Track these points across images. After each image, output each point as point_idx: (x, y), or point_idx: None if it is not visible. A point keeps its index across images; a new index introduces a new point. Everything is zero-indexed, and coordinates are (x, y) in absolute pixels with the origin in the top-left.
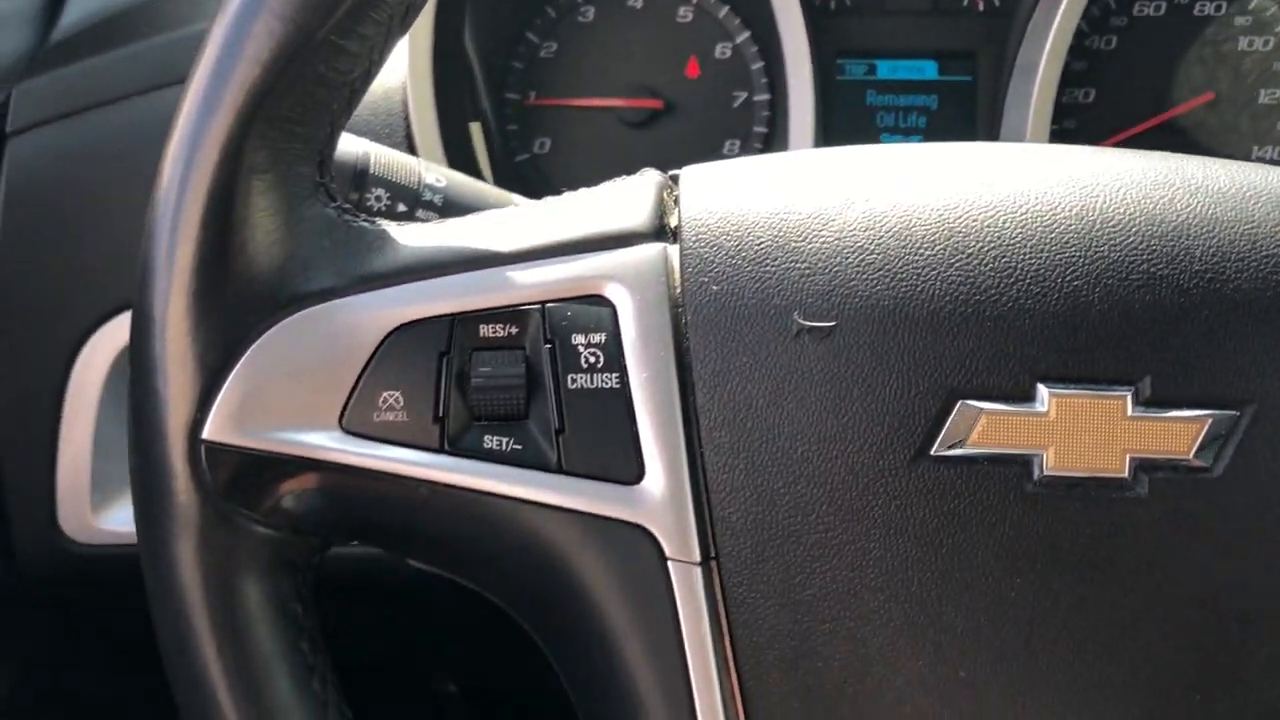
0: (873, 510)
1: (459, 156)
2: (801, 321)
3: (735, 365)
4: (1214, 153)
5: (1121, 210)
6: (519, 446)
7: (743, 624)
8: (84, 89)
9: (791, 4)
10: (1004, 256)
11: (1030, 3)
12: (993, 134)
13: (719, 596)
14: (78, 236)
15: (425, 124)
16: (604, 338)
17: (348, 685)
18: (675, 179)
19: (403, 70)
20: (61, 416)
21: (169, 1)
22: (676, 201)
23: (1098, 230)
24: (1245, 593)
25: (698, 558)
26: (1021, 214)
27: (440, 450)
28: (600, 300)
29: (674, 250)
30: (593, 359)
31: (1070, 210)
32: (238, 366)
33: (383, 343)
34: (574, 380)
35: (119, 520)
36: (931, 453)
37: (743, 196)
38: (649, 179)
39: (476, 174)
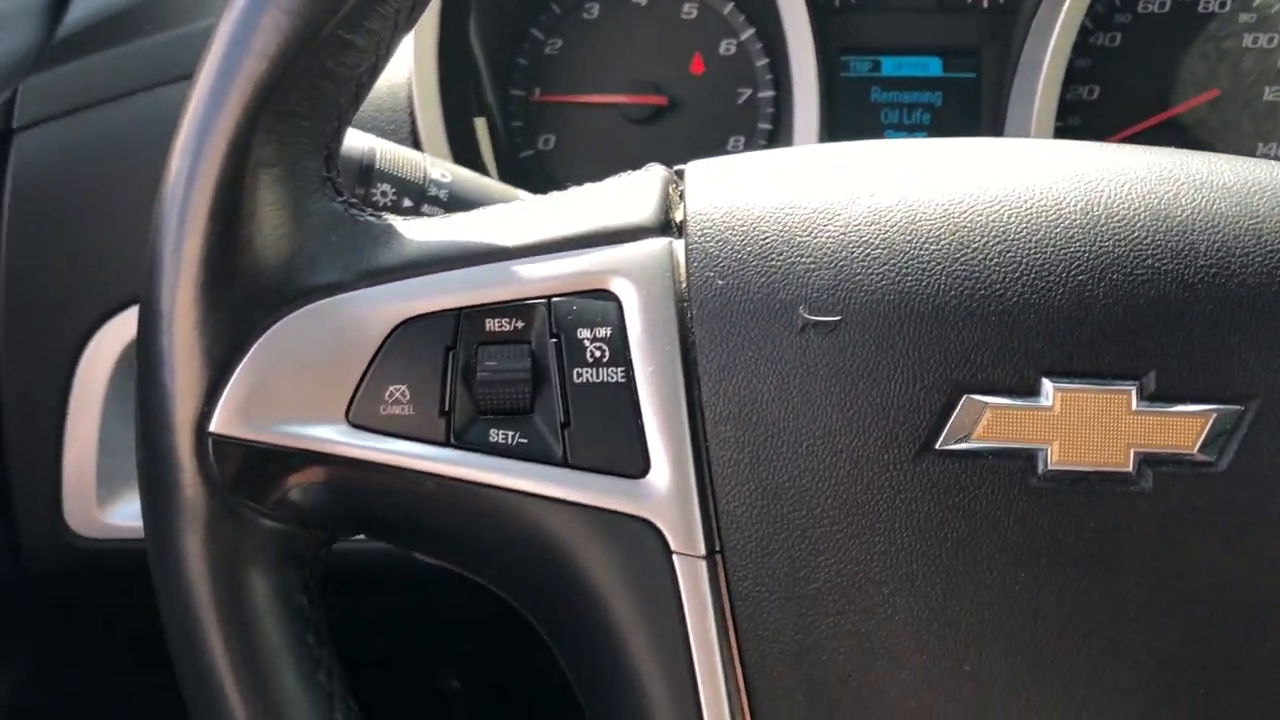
0: (878, 504)
1: (464, 152)
2: (807, 316)
3: (740, 360)
4: (1218, 150)
5: (1126, 205)
6: (524, 440)
7: (747, 617)
8: (90, 85)
9: (796, 1)
10: (1009, 251)
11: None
12: (997, 131)
13: (724, 590)
14: (83, 232)
15: (430, 120)
16: (609, 332)
17: (352, 681)
18: (680, 174)
19: (407, 67)
20: (67, 411)
21: None
22: (682, 196)
23: (1102, 225)
24: (1250, 587)
25: (703, 551)
26: (1026, 209)
27: (446, 444)
28: (606, 295)
29: (679, 245)
30: (598, 353)
31: (1075, 205)
32: (245, 360)
33: (389, 337)
34: (579, 374)
35: (124, 515)
36: (936, 447)
37: (748, 191)
38: (654, 174)
39: (481, 170)
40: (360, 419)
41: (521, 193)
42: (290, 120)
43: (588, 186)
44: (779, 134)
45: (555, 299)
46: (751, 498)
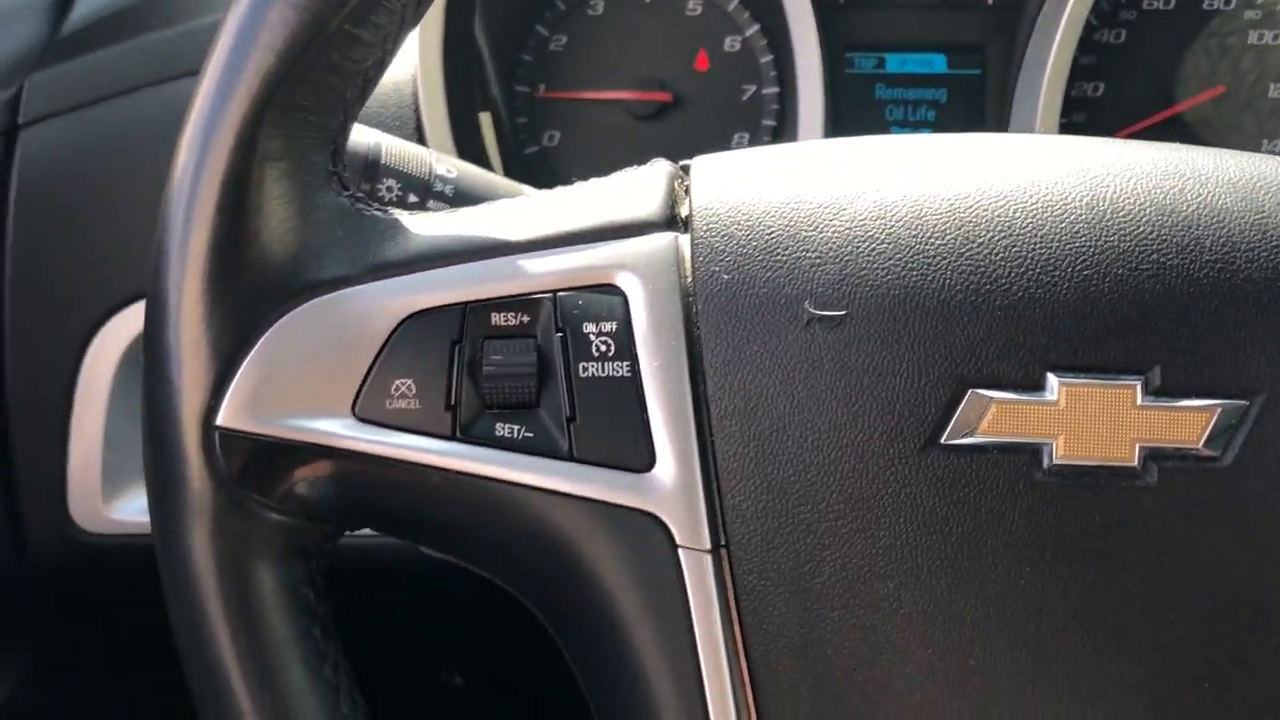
0: (883, 499)
1: (469, 148)
2: (812, 310)
3: (746, 354)
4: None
5: (1132, 200)
6: (530, 434)
7: (752, 611)
8: (95, 81)
9: None
10: (1014, 246)
11: None
12: (1001, 128)
13: (729, 584)
14: (89, 228)
15: (435, 116)
16: (615, 326)
17: (356, 676)
18: (686, 169)
19: (412, 63)
20: (73, 406)
21: None
22: (687, 191)
23: (1108, 220)
24: (1254, 582)
25: (708, 545)
26: (1032, 204)
27: (452, 438)
28: (611, 289)
29: (685, 240)
30: (604, 347)
31: (1081, 200)
32: (251, 353)
33: (395, 331)
34: (585, 368)
35: (130, 511)
36: (941, 441)
37: (753, 186)
38: (660, 169)
39: (486, 166)
40: (366, 413)
41: (526, 188)
42: (297, 115)
43: (593, 181)
44: (783, 131)
45: (561, 293)
46: (756, 492)
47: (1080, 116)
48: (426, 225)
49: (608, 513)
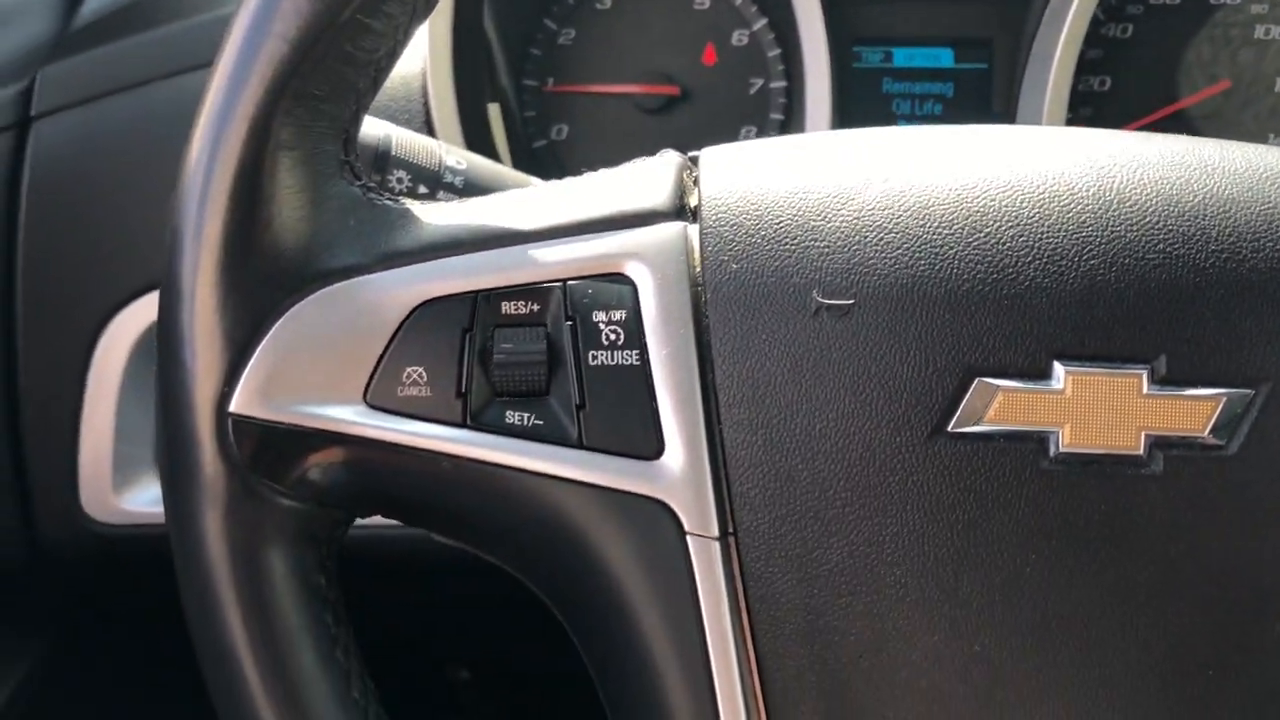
0: (890, 486)
1: (477, 141)
2: (820, 299)
3: (754, 343)
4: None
5: (1138, 191)
6: (540, 422)
7: (760, 598)
8: (107, 74)
9: None
10: (1021, 236)
11: None
12: (1008, 122)
13: (737, 571)
14: (100, 220)
15: (444, 109)
16: (624, 315)
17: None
18: (695, 160)
19: (421, 56)
20: (84, 397)
21: None
22: (696, 182)
23: (1115, 210)
24: (1259, 570)
25: (716, 532)
26: (1039, 194)
27: (463, 425)
28: (621, 278)
29: (694, 229)
30: (613, 336)
31: (1088, 190)
32: (264, 341)
33: (406, 319)
34: (595, 357)
35: (140, 501)
36: (948, 429)
37: (762, 176)
38: (669, 159)
39: (494, 158)
40: (378, 400)
41: (535, 180)
42: (310, 104)
43: (603, 172)
44: (791, 124)
45: (571, 282)
46: (764, 479)
47: (1087, 111)
48: (437, 215)
49: (617, 500)
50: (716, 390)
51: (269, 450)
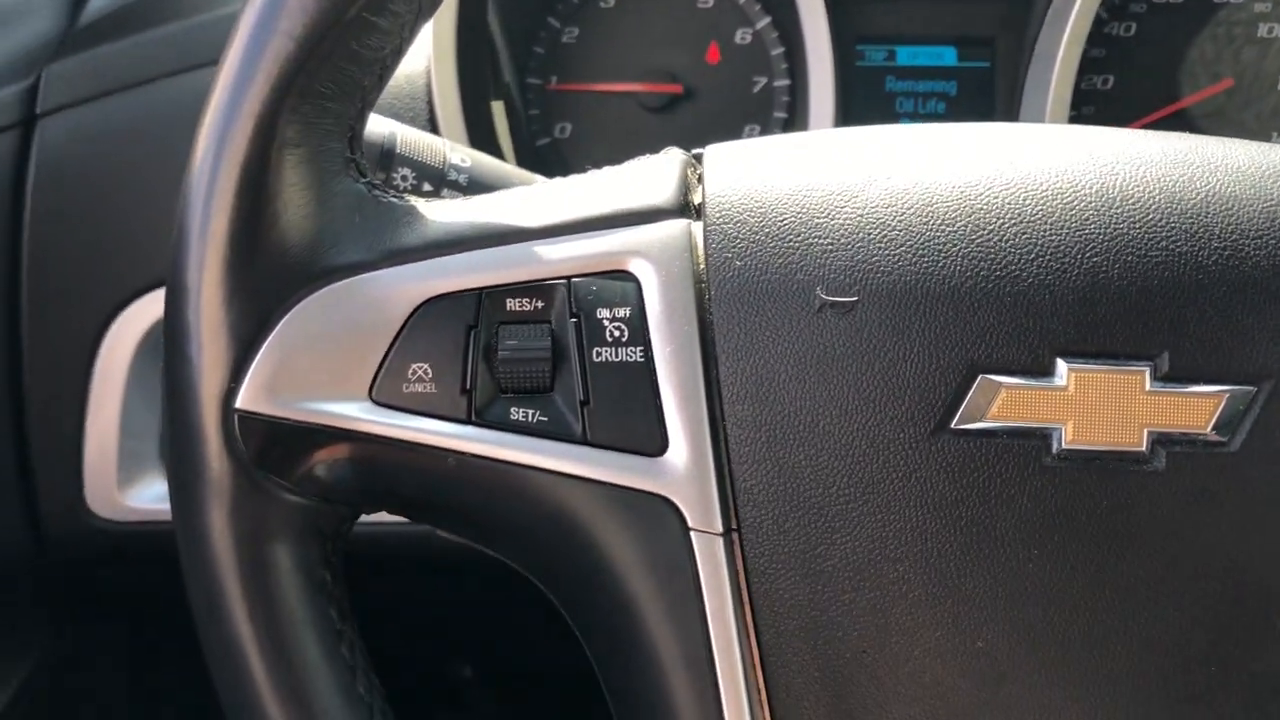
0: (893, 483)
1: (481, 140)
2: (824, 297)
3: (758, 339)
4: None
5: (1141, 188)
6: (545, 418)
7: (764, 594)
8: (112, 71)
9: None
10: (1024, 233)
11: None
12: (1011, 120)
13: (740, 567)
14: (105, 218)
15: (449, 107)
16: (629, 312)
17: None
18: (699, 157)
19: (425, 54)
20: (89, 394)
21: None
22: (700, 179)
23: (1117, 207)
24: (1261, 566)
25: (720, 528)
26: (1042, 191)
27: (467, 421)
28: (625, 275)
29: (698, 227)
30: (617, 333)
31: (1090, 188)
32: (270, 337)
33: (412, 316)
34: (599, 353)
35: (145, 498)
36: (951, 426)
37: (766, 174)
38: (673, 157)
39: (498, 156)
40: (383, 397)
41: (540, 178)
42: (315, 101)
43: (607, 169)
44: (794, 123)
45: (575, 279)
46: (768, 476)
47: (1090, 109)
48: (442, 212)
49: (621, 496)
50: (720, 387)
51: (275, 446)
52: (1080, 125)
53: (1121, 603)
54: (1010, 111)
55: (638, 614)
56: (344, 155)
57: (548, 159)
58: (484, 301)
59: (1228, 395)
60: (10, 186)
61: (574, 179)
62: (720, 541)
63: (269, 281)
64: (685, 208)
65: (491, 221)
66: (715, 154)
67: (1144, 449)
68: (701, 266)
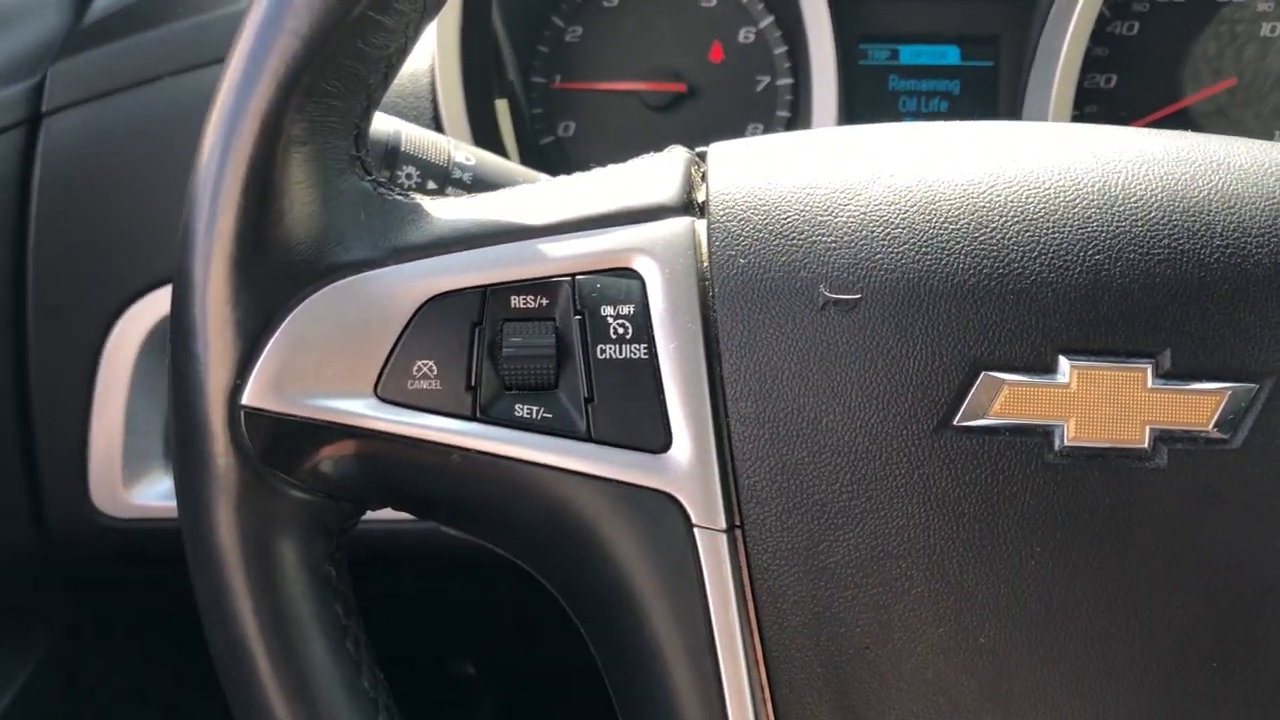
0: (896, 479)
1: (485, 138)
2: (827, 294)
3: (762, 337)
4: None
5: (1143, 186)
6: (549, 415)
7: (767, 590)
8: (117, 70)
9: None
10: (1027, 231)
11: None
12: (1014, 119)
13: (744, 563)
14: (111, 216)
15: (453, 105)
16: (633, 309)
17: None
18: (702, 155)
19: (430, 53)
20: (95, 392)
21: None
22: (704, 177)
23: (1120, 205)
24: (1263, 563)
25: (723, 525)
26: (1045, 189)
27: (472, 418)
28: (629, 273)
29: (701, 225)
30: (621, 330)
31: (1093, 186)
32: (276, 334)
33: (417, 313)
34: (603, 351)
35: (150, 495)
36: (954, 423)
37: (769, 172)
38: (677, 155)
39: (502, 155)
40: (388, 393)
41: (544, 177)
42: (321, 100)
43: (611, 167)
44: (797, 121)
45: (579, 277)
46: (771, 473)
47: (1093, 108)
48: (447, 209)
49: (625, 492)
50: (724, 384)
51: (280, 442)
52: (1083, 124)
53: (1123, 599)
54: (1013, 110)
55: (641, 610)
56: (349, 153)
57: (551, 157)
58: (488, 299)
59: (1229, 393)
60: (16, 185)
61: (578, 177)
62: (723, 538)
63: (275, 278)
64: (689, 205)
65: (496, 219)
66: (719, 152)
67: (1146, 446)
68: (705, 264)
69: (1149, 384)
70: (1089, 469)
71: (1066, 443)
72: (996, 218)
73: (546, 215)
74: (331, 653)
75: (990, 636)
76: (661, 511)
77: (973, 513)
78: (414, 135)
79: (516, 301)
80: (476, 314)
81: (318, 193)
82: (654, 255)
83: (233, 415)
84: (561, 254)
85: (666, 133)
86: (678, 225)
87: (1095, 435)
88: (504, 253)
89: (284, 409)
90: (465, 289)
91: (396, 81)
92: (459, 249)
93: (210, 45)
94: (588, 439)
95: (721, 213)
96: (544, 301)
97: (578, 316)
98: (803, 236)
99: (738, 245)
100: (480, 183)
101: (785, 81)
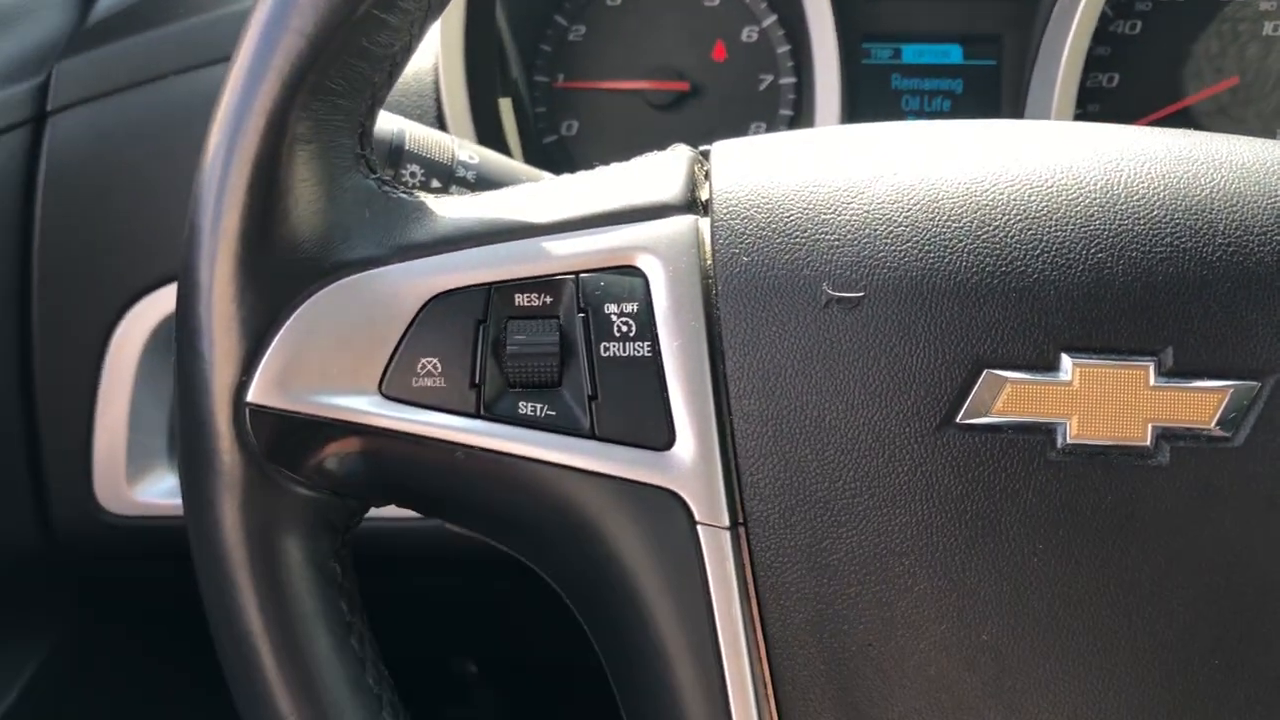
0: (899, 477)
1: (488, 137)
2: (830, 292)
3: (765, 334)
4: None
5: (1146, 184)
6: (553, 412)
7: (770, 587)
8: (122, 68)
9: None
10: (1030, 229)
11: None
12: (1017, 118)
13: (747, 560)
14: (115, 213)
15: (456, 104)
16: (636, 307)
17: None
18: (705, 154)
19: (433, 51)
20: (99, 389)
21: None
22: (707, 176)
23: (1122, 203)
24: (1264, 561)
25: (727, 522)
26: (1047, 187)
27: (476, 415)
28: (633, 271)
29: (705, 223)
30: (625, 328)
31: (1095, 184)
32: (281, 331)
33: (421, 310)
34: (607, 348)
35: (154, 492)
36: (957, 421)
37: (772, 170)
38: (680, 154)
39: (506, 153)
40: (393, 390)
41: (547, 175)
42: (326, 98)
43: (615, 165)
44: (800, 120)
45: (583, 275)
46: (774, 470)
47: (1095, 107)
48: (452, 208)
49: (628, 490)
50: (727, 382)
51: (285, 439)
52: (1085, 123)
53: (1125, 597)
54: (1016, 109)
55: (645, 607)
56: (354, 151)
57: (554, 156)
58: (492, 296)
59: (1232, 390)
60: (21, 183)
61: (581, 175)
62: (727, 535)
63: (280, 276)
64: (692, 204)
65: (500, 217)
66: (722, 150)
67: (1148, 444)
68: (708, 262)
69: (1151, 382)
70: (1091, 467)
71: (1069, 440)
72: (999, 216)
73: (550, 213)
74: (336, 649)
75: (993, 634)
76: (665, 509)
77: (975, 510)
78: (418, 134)
79: (520, 299)
80: (481, 312)
81: (323, 191)
82: (657, 253)
83: (238, 412)
84: (565, 252)
85: (669, 131)
86: (681, 223)
87: (1097, 433)
88: (508, 251)
89: (289, 406)
90: (469, 287)
91: (400, 80)
92: (463, 247)
93: (215, 44)
94: (591, 436)
95: (725, 211)
96: (548, 299)
97: (581, 314)
98: (806, 235)
99: (741, 243)
100: (484, 181)
101: (788, 80)
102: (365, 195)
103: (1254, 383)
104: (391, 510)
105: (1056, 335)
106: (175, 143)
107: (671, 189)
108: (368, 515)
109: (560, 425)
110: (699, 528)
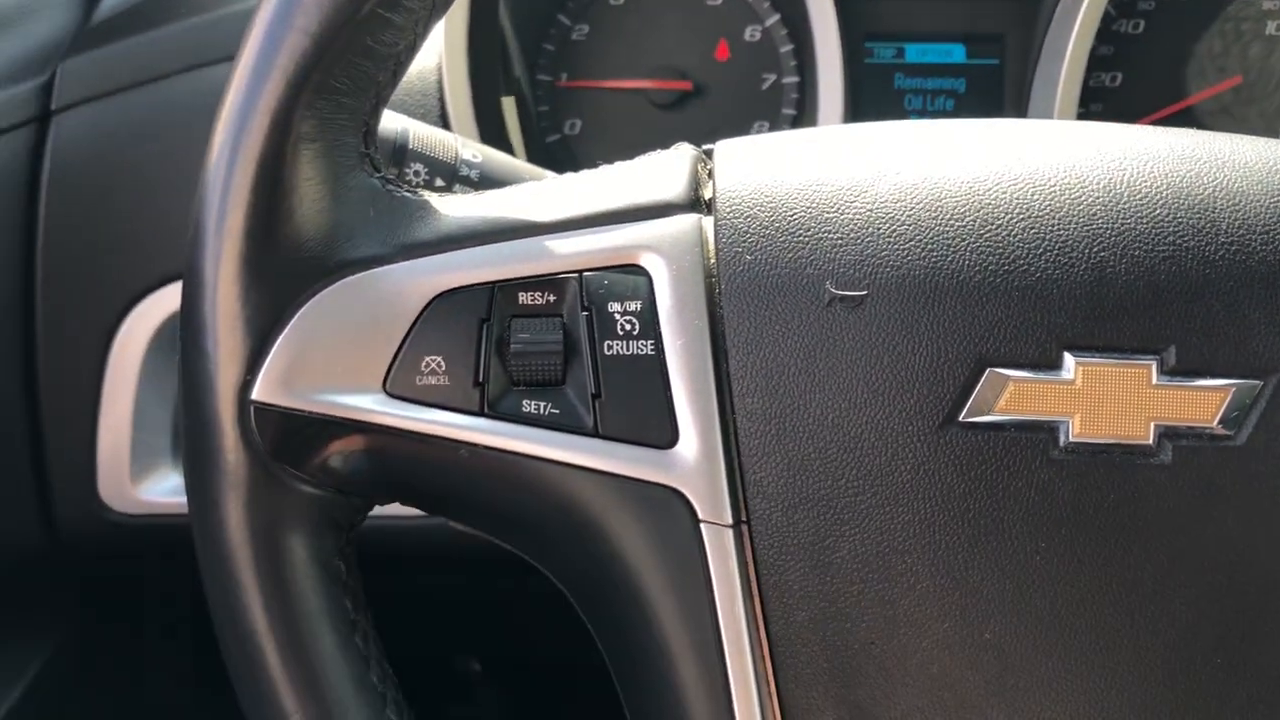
0: (901, 475)
1: (492, 135)
2: (833, 291)
3: (768, 333)
4: None
5: (1148, 183)
6: (556, 411)
7: (773, 585)
8: (126, 68)
9: None
10: (1032, 228)
11: None
12: (1020, 117)
13: (750, 558)
14: (120, 212)
15: (460, 103)
16: (639, 306)
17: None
18: (709, 153)
19: (437, 50)
20: (103, 388)
21: None
22: (710, 174)
23: (1125, 202)
24: (1267, 559)
25: (730, 521)
26: (1050, 186)
27: (480, 414)
28: (636, 269)
29: (708, 222)
30: (628, 326)
31: (1098, 183)
32: (286, 330)
33: (425, 309)
34: (610, 347)
35: (158, 491)
36: (959, 419)
37: (776, 169)
38: (683, 152)
39: (509, 152)
40: (397, 389)
41: (550, 174)
42: (331, 97)
43: (618, 164)
44: (803, 120)
45: (587, 273)
46: (777, 468)
47: (1098, 106)
48: (456, 206)
49: (632, 488)
50: (730, 380)
51: (290, 437)
52: (1088, 122)
53: (1128, 595)
54: (1019, 108)
55: (648, 605)
56: (359, 150)
57: (558, 155)
58: (496, 295)
59: (1234, 389)
60: (25, 182)
61: (585, 174)
62: (730, 533)
63: (284, 275)
64: (696, 202)
65: (503, 216)
66: (725, 149)
67: (1150, 442)
68: (712, 261)
69: (1154, 380)
70: (1094, 465)
71: (1071, 439)
72: (1002, 215)
73: (553, 212)
74: (340, 647)
75: (995, 632)
76: (668, 507)
77: (978, 509)
78: (422, 133)
79: (524, 298)
80: (484, 310)
81: (327, 190)
82: (661, 252)
83: (242, 411)
84: (569, 251)
85: (672, 130)
86: (684, 222)
87: (1100, 431)
88: (512, 249)
89: (293, 404)
90: (473, 285)
91: (404, 79)
92: (467, 246)
93: (219, 43)
94: (595, 434)
95: (728, 210)
96: (551, 298)
97: (585, 313)
98: (809, 233)
99: (744, 242)
100: (487, 180)
101: (791, 80)
102: (369, 194)
103: (1256, 381)
104: (395, 508)
105: (1059, 334)
106: (179, 142)
107: (675, 188)
108: (372, 513)
109: (564, 423)
110: (702, 526)
